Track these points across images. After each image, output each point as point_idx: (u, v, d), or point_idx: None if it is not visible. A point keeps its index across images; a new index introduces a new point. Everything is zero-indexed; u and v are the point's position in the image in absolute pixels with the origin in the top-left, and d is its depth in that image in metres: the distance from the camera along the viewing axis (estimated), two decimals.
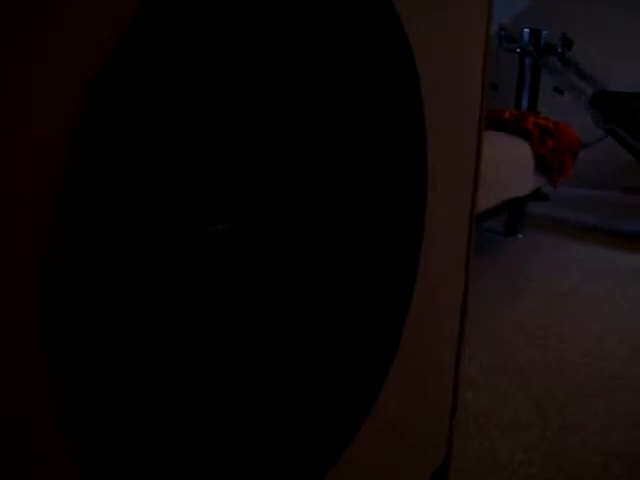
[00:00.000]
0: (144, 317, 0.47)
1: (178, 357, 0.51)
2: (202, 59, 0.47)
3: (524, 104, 3.45)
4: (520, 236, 3.01)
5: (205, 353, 0.54)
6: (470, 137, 0.95)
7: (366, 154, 0.67)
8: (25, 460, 0.40)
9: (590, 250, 2.83)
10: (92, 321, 0.42)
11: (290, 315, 0.63)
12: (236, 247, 0.57)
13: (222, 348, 0.56)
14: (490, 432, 1.30)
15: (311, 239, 0.65)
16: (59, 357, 0.40)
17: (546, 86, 3.45)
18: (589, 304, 2.15)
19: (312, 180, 0.63)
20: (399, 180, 0.72)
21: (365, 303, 0.70)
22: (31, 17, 0.35)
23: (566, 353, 1.73)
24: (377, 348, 0.73)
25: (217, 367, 0.56)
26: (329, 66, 0.60)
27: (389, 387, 0.76)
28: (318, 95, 0.61)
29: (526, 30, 3.33)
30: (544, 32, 3.31)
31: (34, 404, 0.40)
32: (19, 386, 0.39)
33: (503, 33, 3.37)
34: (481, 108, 0.94)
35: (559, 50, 3.24)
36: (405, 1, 0.66)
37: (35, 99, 0.36)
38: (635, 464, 1.23)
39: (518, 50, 3.40)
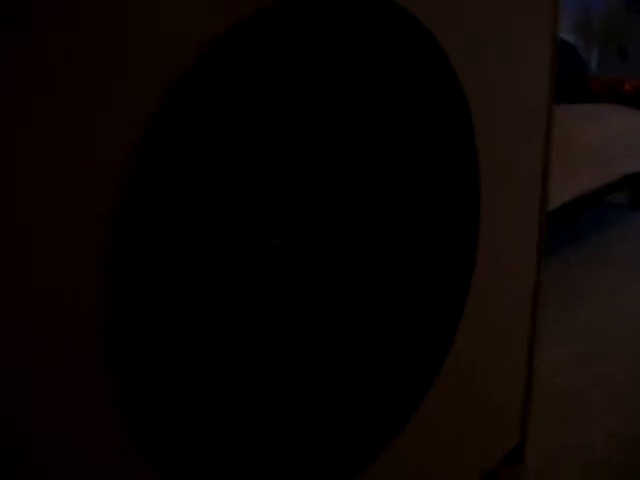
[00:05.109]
0: (209, 323, 0.55)
1: (241, 357, 0.59)
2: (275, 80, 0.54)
3: None
4: None
5: (273, 352, 0.62)
6: (538, 130, 0.96)
7: (416, 151, 0.72)
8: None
9: None
10: (156, 323, 0.51)
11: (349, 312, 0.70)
12: (293, 260, 0.64)
13: (286, 342, 0.64)
14: (574, 417, 1.31)
15: (367, 239, 0.71)
16: (119, 353, 0.50)
17: None
18: None
19: (363, 180, 0.69)
20: (450, 179, 0.76)
21: (418, 295, 0.76)
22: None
23: None
24: (435, 337, 0.78)
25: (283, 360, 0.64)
26: (373, 73, 0.65)
27: (450, 369, 0.81)
28: (370, 102, 0.66)
29: None
30: None
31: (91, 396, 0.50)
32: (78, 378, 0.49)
33: None
34: (549, 102, 0.95)
35: None
36: None
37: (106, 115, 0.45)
38: None
39: None
